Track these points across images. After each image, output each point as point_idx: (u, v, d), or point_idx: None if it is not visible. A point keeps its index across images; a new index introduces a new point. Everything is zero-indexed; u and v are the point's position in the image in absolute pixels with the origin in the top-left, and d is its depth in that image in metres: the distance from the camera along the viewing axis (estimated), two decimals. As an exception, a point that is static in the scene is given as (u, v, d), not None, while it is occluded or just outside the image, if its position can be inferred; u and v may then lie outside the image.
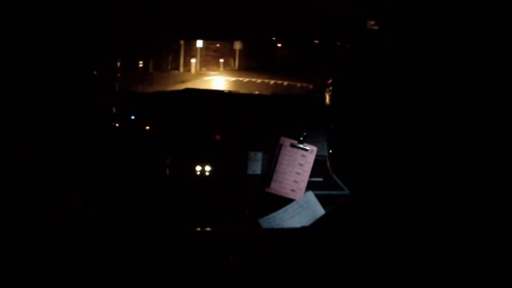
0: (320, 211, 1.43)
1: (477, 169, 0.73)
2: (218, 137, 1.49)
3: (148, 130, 1.46)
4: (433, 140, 0.77)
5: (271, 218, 1.41)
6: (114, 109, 1.40)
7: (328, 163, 0.97)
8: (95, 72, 1.25)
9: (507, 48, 0.79)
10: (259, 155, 1.49)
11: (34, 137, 0.99)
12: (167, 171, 1.43)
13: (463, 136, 0.74)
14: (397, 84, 0.81)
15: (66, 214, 0.99)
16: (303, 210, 1.43)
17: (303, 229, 1.29)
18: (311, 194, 1.46)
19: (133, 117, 1.46)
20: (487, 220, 0.75)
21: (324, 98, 0.97)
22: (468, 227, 0.75)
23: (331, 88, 0.94)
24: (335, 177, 0.95)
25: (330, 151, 0.95)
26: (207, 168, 1.45)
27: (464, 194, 0.74)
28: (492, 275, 0.73)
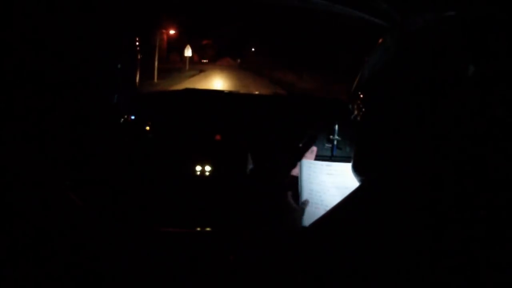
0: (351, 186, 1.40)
1: (480, 169, 0.73)
2: (218, 137, 1.49)
3: (148, 129, 1.46)
4: (436, 140, 0.77)
5: (316, 164, 1.37)
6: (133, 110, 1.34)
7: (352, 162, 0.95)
8: (119, 66, 1.20)
9: (508, 48, 0.79)
10: (260, 155, 1.49)
11: (36, 135, 0.99)
12: (167, 171, 1.42)
13: (469, 137, 0.74)
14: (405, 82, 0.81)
15: (66, 214, 0.98)
16: (341, 174, 1.35)
17: (303, 229, 1.29)
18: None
19: (132, 117, 1.46)
20: (488, 221, 0.74)
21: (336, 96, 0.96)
22: (470, 227, 0.75)
23: (358, 88, 0.93)
24: (356, 176, 0.93)
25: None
26: (207, 168, 1.45)
27: (470, 195, 0.74)
28: (493, 275, 0.73)
